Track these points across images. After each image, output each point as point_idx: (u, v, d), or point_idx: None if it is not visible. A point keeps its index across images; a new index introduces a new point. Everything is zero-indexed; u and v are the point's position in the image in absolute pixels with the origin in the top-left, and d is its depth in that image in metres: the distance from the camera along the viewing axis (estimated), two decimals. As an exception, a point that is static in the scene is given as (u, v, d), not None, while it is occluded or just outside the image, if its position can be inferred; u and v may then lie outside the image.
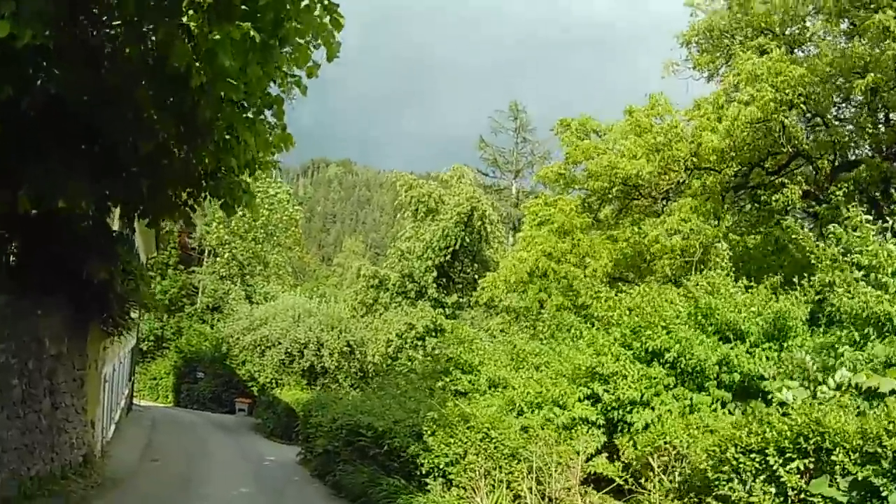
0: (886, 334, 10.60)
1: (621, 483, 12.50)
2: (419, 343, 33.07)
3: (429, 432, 14.03)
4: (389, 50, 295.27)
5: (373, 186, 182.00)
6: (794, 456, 8.04)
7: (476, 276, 36.18)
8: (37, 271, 11.94)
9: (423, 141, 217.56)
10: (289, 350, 35.03)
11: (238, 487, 17.73)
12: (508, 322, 25.33)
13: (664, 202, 25.86)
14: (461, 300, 36.33)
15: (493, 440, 13.43)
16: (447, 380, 17.73)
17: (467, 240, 35.10)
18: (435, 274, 34.97)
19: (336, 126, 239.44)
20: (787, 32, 22.77)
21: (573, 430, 13.86)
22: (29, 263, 12.05)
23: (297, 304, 37.61)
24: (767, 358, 12.65)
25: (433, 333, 33.23)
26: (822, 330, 12.83)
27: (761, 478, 8.27)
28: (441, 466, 13.64)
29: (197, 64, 8.18)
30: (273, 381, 35.66)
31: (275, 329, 35.78)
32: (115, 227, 15.52)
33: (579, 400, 14.16)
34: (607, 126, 27.44)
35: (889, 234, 11.78)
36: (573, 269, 24.01)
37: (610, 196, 26.81)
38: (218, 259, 55.02)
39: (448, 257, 35.07)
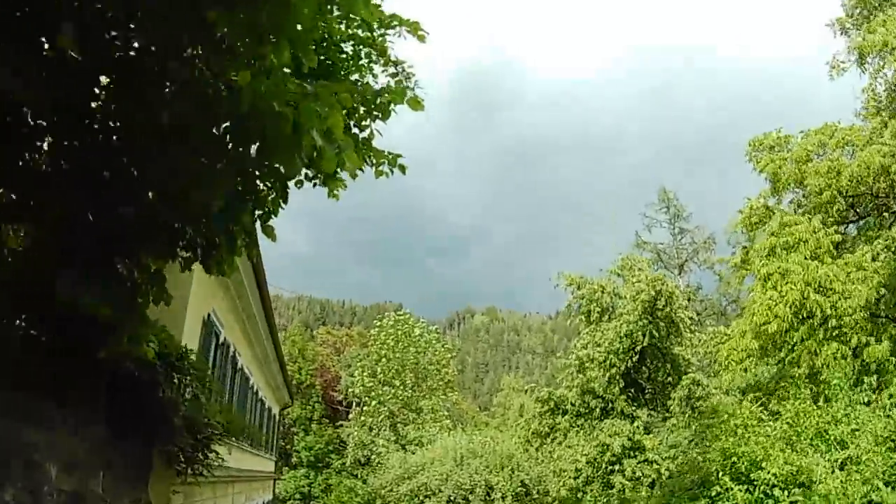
0: None
1: None
2: (614, 468, 25.94)
3: None
4: (523, 193, 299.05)
5: (521, 331, 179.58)
6: None
7: (669, 380, 29.13)
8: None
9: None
10: (452, 498, 28.55)
11: None
12: (757, 404, 18.15)
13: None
14: (653, 412, 29.12)
15: None
16: (712, 493, 10.96)
17: (655, 334, 28.26)
18: (622, 384, 28.13)
19: (478, 278, 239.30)
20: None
21: None
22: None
23: (458, 446, 31.41)
24: None
25: (632, 453, 26.08)
26: None
27: None
28: None
29: None
30: (441, 537, 29.19)
31: (434, 475, 29.54)
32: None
33: None
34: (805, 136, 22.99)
35: None
36: (842, 304, 17.24)
37: (832, 215, 21.87)
38: (365, 409, 49.88)
39: (635, 360, 28.28)
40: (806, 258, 18.67)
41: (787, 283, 18.13)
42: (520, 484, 28.71)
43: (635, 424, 26.99)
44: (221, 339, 15.46)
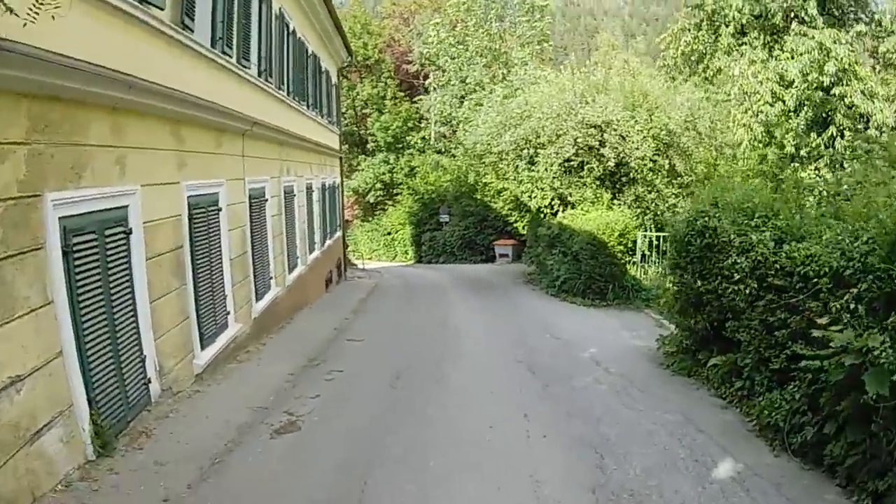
0: None
1: None
2: (833, 92, 18.20)
3: None
4: None
5: (597, 14, 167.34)
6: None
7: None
8: None
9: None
10: (577, 141, 21.16)
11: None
12: None
13: None
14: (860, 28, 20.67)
15: None
16: None
17: None
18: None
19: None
20: None
21: None
22: None
23: (574, 82, 23.36)
24: None
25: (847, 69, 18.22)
26: None
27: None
28: None
29: None
30: (554, 200, 22.35)
31: (549, 115, 21.68)
32: None
33: None
34: None
35: None
36: None
37: None
38: (445, 72, 42.29)
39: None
40: None
41: None
42: (663, 129, 21.07)
43: (853, 33, 18.76)
44: None
